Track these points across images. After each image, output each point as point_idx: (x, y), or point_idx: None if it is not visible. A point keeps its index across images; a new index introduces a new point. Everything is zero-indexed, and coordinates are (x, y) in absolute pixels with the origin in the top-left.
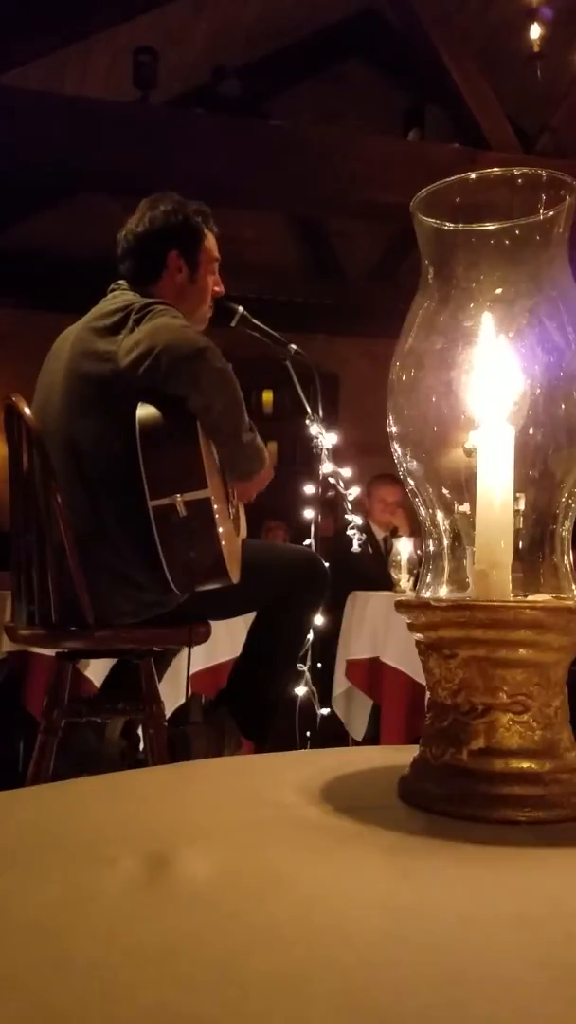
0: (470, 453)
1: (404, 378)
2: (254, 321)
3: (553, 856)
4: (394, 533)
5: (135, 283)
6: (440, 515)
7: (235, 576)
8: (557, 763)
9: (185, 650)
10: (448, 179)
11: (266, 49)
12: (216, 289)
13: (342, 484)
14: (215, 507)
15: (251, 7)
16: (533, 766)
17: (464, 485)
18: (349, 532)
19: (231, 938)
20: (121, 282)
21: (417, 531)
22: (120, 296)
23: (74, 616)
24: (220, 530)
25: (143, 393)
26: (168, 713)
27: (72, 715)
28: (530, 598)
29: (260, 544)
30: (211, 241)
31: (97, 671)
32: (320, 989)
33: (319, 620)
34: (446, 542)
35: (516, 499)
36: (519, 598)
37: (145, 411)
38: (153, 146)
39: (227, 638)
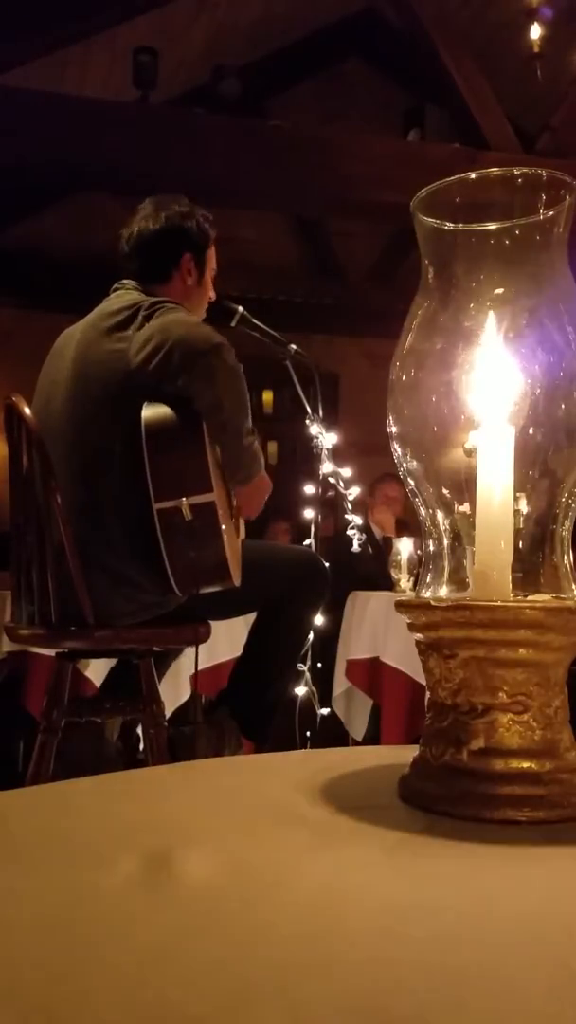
0: (470, 453)
1: (404, 378)
2: (254, 321)
3: (553, 856)
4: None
5: (143, 282)
6: (440, 515)
7: (237, 578)
8: (557, 763)
9: (184, 650)
10: (448, 179)
11: (266, 49)
12: (209, 295)
13: (342, 484)
14: (219, 510)
15: (251, 7)
16: (533, 766)
17: (464, 485)
18: (349, 532)
19: (231, 937)
20: (125, 282)
21: (407, 530)
22: (125, 295)
23: (74, 616)
24: (223, 527)
25: (149, 393)
26: (168, 713)
27: (72, 715)
28: (530, 598)
29: (260, 544)
30: (213, 250)
31: (97, 671)
32: (320, 988)
33: (319, 620)
34: (446, 542)
35: (516, 499)
36: (519, 598)
37: (151, 412)
38: (153, 146)
39: (227, 638)
